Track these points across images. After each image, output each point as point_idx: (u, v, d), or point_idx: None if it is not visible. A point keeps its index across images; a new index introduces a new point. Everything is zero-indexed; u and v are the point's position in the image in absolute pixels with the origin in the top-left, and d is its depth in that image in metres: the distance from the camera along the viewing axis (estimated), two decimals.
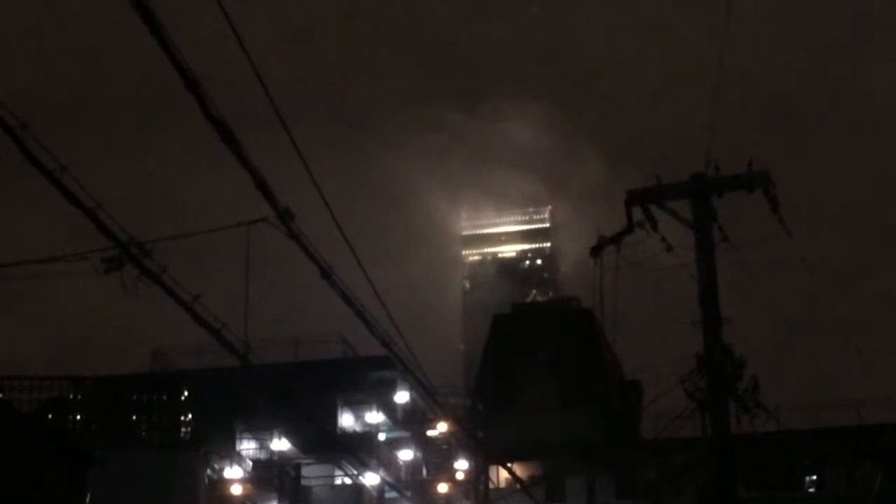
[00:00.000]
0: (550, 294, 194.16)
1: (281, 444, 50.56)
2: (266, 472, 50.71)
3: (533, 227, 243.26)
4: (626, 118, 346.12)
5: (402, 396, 54.95)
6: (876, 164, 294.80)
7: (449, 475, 55.92)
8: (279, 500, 50.55)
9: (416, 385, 36.54)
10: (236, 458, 50.00)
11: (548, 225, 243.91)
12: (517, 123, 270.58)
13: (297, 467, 50.86)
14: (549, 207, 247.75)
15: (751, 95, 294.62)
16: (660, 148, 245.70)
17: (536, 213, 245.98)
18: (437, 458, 58.22)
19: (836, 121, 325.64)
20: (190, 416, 45.21)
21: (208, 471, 47.56)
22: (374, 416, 52.96)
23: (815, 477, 54.15)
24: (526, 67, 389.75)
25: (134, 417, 44.81)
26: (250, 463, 50.70)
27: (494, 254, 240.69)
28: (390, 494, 52.09)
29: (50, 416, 42.63)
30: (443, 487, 54.90)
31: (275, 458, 50.83)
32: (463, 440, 54.02)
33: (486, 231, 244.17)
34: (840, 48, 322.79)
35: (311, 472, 51.47)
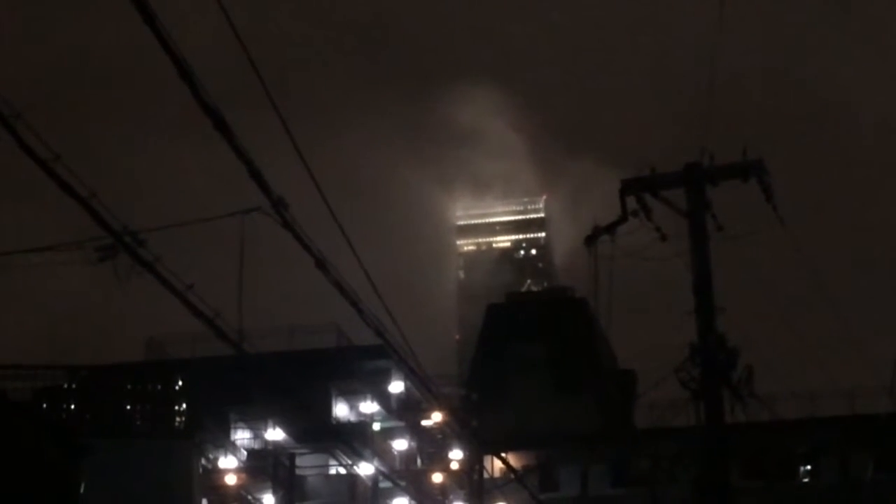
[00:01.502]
0: (545, 283, 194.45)
1: (275, 434, 50.55)
2: (260, 462, 50.67)
3: (528, 216, 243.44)
4: (624, 112, 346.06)
5: (396, 386, 54.88)
6: (875, 157, 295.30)
7: (443, 465, 55.85)
8: (273, 490, 50.51)
9: (410, 374, 36.55)
10: (230, 447, 49.98)
11: (542, 215, 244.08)
12: (513, 116, 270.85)
13: (292, 457, 50.82)
14: (544, 197, 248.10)
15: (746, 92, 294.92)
16: (656, 140, 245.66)
17: (531, 202, 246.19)
18: (431, 447, 58.16)
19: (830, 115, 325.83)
20: (184, 405, 45.19)
21: (202, 460, 47.52)
22: (369, 406, 52.93)
23: (809, 466, 54.26)
24: (525, 64, 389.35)
25: (128, 407, 44.78)
26: (244, 452, 50.68)
27: (489, 243, 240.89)
28: (384, 484, 52.03)
29: (44, 405, 42.60)
30: (437, 477, 54.83)
31: (269, 447, 50.81)
32: (457, 430, 53.99)
33: (480, 221, 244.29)
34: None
35: (306, 462, 51.46)
